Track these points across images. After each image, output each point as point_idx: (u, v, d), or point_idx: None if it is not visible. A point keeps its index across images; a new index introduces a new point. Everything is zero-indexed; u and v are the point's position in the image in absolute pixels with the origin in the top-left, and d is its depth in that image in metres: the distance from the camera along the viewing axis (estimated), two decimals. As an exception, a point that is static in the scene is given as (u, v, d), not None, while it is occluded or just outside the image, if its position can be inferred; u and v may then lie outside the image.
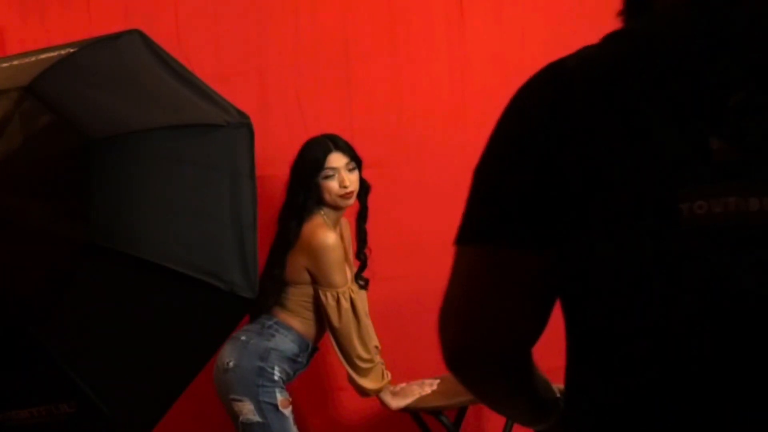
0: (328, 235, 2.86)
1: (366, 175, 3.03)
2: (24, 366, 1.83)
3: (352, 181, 2.91)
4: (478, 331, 0.98)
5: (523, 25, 3.42)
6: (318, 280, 2.88)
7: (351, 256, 3.10)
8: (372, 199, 3.10)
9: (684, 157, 0.87)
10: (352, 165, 2.93)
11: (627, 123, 0.89)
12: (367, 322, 2.94)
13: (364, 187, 3.03)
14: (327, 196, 2.90)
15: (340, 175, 2.89)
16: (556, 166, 0.91)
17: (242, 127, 2.11)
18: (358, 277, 3.06)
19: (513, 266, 0.95)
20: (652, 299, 0.88)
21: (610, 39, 0.96)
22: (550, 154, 0.91)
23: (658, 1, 0.98)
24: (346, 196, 2.91)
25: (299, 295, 2.92)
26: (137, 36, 2.20)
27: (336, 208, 2.94)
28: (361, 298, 2.98)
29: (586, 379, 0.96)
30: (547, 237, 0.92)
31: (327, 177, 2.89)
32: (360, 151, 3.01)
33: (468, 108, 3.38)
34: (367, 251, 3.10)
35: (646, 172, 0.87)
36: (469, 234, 0.98)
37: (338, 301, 2.86)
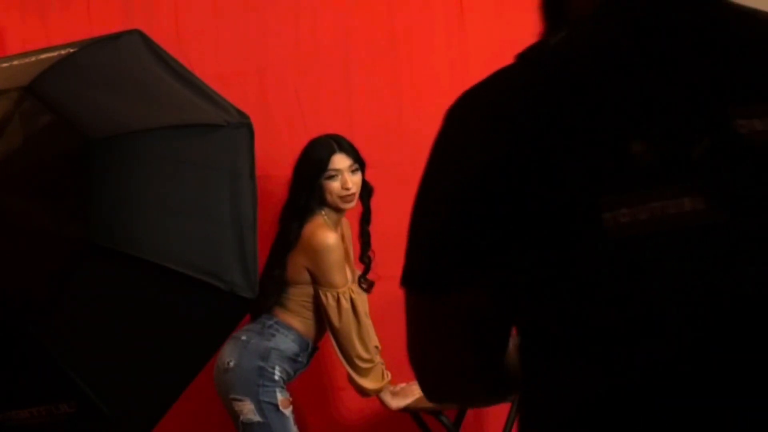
0: (329, 236, 2.86)
1: (366, 175, 3.03)
2: (24, 366, 1.83)
3: (354, 182, 2.91)
4: (443, 372, 0.98)
5: (523, 25, 3.41)
6: (318, 281, 2.88)
7: (351, 256, 3.10)
8: (372, 199, 3.10)
9: (606, 164, 0.85)
10: (355, 166, 2.93)
11: (556, 145, 0.86)
12: (367, 322, 2.94)
13: (367, 189, 3.02)
14: (329, 197, 2.90)
15: (343, 177, 2.89)
16: (487, 201, 0.88)
17: (242, 127, 2.11)
18: (362, 279, 3.06)
19: (452, 308, 0.92)
20: (594, 321, 0.85)
21: (529, 60, 0.93)
22: (480, 190, 0.88)
23: (573, 20, 0.96)
24: (347, 198, 2.90)
25: (299, 295, 2.92)
26: (137, 36, 2.20)
27: (337, 209, 2.94)
28: (362, 298, 2.98)
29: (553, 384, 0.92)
30: (480, 273, 0.89)
31: (329, 177, 2.89)
32: (360, 151, 3.01)
33: (468, 108, 3.37)
34: (371, 254, 3.10)
35: (574, 186, 0.85)
36: (405, 279, 0.97)
37: (338, 302, 2.86)
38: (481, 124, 0.91)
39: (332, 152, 2.90)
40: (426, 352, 0.99)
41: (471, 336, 0.94)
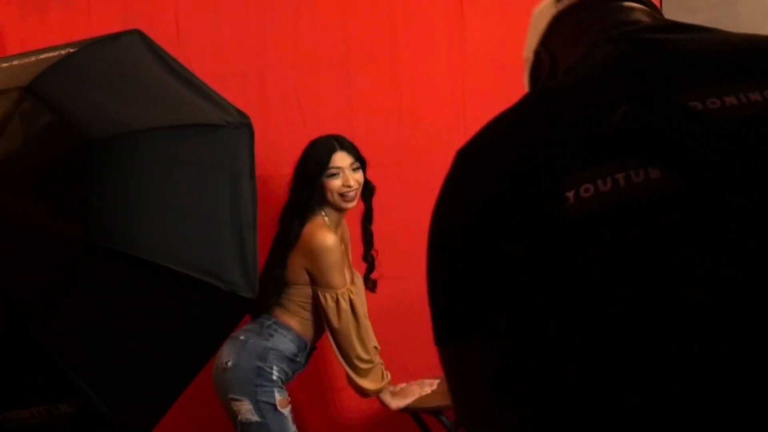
0: (327, 236, 2.86)
1: (366, 175, 3.04)
2: (24, 366, 1.83)
3: (355, 180, 2.92)
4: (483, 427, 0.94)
5: (523, 25, 3.41)
6: (317, 281, 2.88)
7: (350, 257, 3.10)
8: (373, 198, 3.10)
9: (566, 147, 0.85)
10: (357, 165, 2.94)
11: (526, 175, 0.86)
12: (366, 323, 2.94)
13: (369, 188, 3.03)
14: (329, 195, 2.90)
15: (344, 175, 2.90)
16: (476, 253, 0.87)
17: (242, 127, 2.11)
18: (366, 279, 3.06)
19: (471, 357, 0.90)
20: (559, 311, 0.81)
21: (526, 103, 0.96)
22: (463, 242, 0.88)
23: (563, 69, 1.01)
24: (347, 196, 2.91)
25: (298, 296, 2.92)
26: (137, 36, 2.20)
27: (338, 209, 2.94)
28: (361, 299, 2.98)
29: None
30: (482, 314, 0.87)
31: (331, 176, 2.89)
32: (360, 151, 3.01)
33: (468, 108, 3.38)
34: (373, 253, 3.10)
35: (538, 180, 0.84)
36: (435, 336, 0.95)
37: (337, 302, 2.87)
38: (467, 175, 0.94)
39: (333, 151, 2.91)
40: (462, 411, 0.95)
41: (497, 385, 0.89)
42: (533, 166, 0.86)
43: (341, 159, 2.91)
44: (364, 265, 3.12)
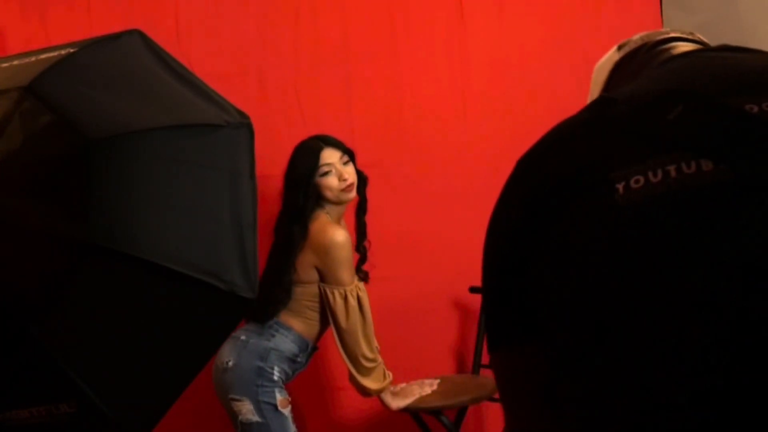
0: (338, 233, 2.86)
1: (357, 167, 3.04)
2: (24, 366, 1.83)
3: (349, 173, 2.92)
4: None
5: (523, 25, 3.42)
6: (325, 278, 2.88)
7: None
8: (371, 199, 3.10)
9: (618, 144, 0.86)
10: (346, 158, 2.94)
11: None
12: (371, 321, 2.94)
13: (362, 179, 3.03)
14: (329, 194, 2.90)
15: (337, 170, 2.90)
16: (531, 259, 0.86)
17: (242, 127, 2.11)
18: (358, 269, 3.06)
19: (520, 363, 0.88)
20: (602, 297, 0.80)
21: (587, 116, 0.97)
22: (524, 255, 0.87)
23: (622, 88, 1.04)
24: (347, 189, 2.91)
25: (305, 295, 2.92)
26: (137, 36, 2.20)
27: (339, 203, 2.94)
28: (366, 296, 2.97)
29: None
30: (530, 322, 0.86)
31: (324, 174, 2.89)
32: (360, 151, 3.02)
33: (468, 108, 3.38)
34: (366, 244, 3.10)
35: (586, 174, 0.85)
36: (488, 342, 0.95)
37: (345, 300, 2.86)
38: (519, 180, 0.93)
39: (320, 149, 2.91)
40: (511, 419, 0.92)
41: (544, 394, 0.87)
42: (584, 162, 0.87)
43: (330, 155, 2.91)
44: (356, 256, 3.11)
